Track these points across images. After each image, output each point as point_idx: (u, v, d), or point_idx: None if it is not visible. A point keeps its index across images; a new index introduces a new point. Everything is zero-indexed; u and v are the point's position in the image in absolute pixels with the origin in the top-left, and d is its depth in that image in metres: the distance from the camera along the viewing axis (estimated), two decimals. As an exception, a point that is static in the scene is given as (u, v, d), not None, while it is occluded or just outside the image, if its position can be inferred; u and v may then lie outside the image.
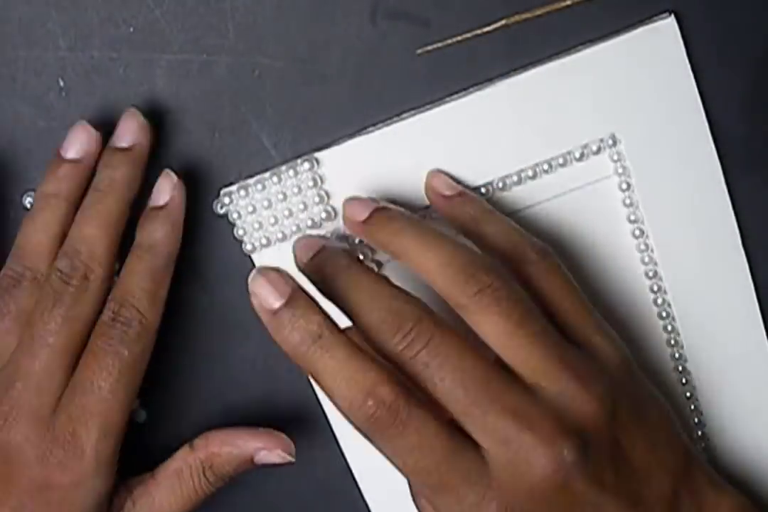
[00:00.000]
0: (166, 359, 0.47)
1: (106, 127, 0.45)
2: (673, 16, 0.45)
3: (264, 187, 0.45)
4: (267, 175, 0.45)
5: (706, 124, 0.46)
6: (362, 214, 0.42)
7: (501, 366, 0.40)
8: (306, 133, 0.46)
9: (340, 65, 0.46)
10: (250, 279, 0.40)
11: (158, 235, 0.44)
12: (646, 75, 0.45)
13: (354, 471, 0.48)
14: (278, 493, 0.49)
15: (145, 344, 0.43)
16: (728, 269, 0.47)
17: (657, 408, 0.43)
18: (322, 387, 0.40)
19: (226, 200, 0.45)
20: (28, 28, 0.44)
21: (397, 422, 0.39)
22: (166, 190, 0.44)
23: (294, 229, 0.45)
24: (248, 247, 0.46)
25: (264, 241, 0.45)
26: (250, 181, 0.45)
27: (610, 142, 0.46)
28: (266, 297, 0.40)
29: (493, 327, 0.40)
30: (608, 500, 0.39)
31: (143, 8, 0.44)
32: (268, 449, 0.44)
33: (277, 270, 0.40)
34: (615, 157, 0.46)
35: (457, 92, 0.45)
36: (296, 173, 0.45)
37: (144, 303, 0.43)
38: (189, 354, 0.47)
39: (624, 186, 0.46)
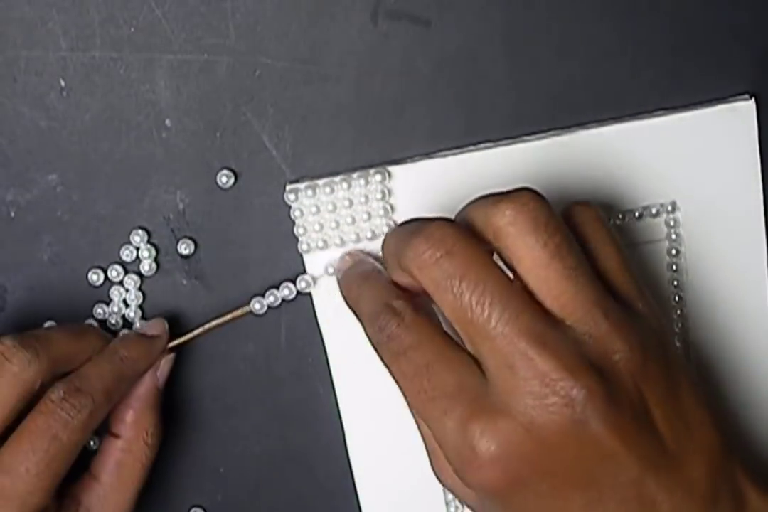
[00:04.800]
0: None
1: (106, 127, 0.45)
2: (753, 99, 0.46)
3: (332, 191, 0.45)
4: (337, 179, 0.45)
5: (762, 209, 0.47)
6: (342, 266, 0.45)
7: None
8: (307, 133, 0.46)
9: (341, 65, 0.46)
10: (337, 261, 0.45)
11: (135, 352, 0.44)
12: (716, 151, 0.47)
13: (354, 471, 0.48)
14: (278, 493, 0.49)
15: (83, 437, 0.42)
16: (762, 358, 0.48)
17: (693, 390, 0.39)
18: (359, 316, 0.41)
19: (292, 197, 0.45)
20: (29, 28, 0.44)
21: (401, 325, 0.39)
22: (159, 328, 0.46)
23: (353, 236, 0.45)
24: (303, 246, 0.46)
25: (320, 244, 0.45)
26: (320, 182, 0.45)
27: (670, 208, 0.47)
28: (340, 265, 0.45)
29: (527, 251, 0.37)
30: (630, 457, 0.36)
31: (144, 8, 0.44)
32: (158, 367, 0.45)
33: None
34: (671, 223, 0.47)
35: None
36: (367, 183, 0.45)
37: (100, 397, 0.42)
38: (189, 354, 0.47)
39: (674, 251, 0.47)
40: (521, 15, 0.46)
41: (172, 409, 0.47)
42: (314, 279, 0.46)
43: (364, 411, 0.47)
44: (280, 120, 0.46)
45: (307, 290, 0.46)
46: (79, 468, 0.44)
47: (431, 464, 0.41)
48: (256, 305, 0.46)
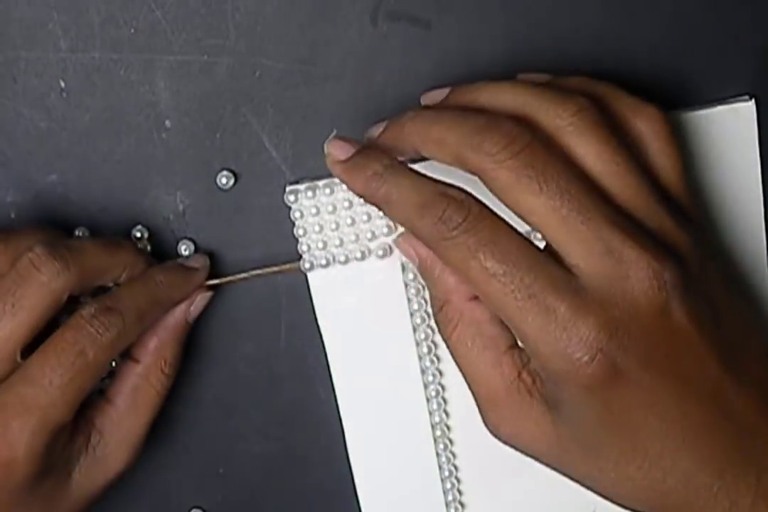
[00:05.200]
0: (166, 359, 0.47)
1: (106, 128, 0.45)
2: (753, 100, 0.46)
3: (332, 192, 0.45)
4: (337, 180, 0.44)
5: (762, 209, 0.47)
6: (343, 155, 0.41)
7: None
8: (307, 133, 0.46)
9: (341, 66, 0.46)
10: (325, 144, 0.42)
11: (173, 278, 0.44)
12: (716, 151, 0.47)
13: (354, 471, 0.48)
14: (278, 493, 0.49)
15: (110, 356, 0.42)
16: None
17: (740, 300, 0.41)
18: (393, 209, 0.39)
19: (291, 198, 0.45)
20: (29, 29, 0.44)
21: (470, 217, 0.37)
22: (201, 262, 0.45)
23: (353, 237, 0.45)
24: (303, 247, 0.45)
25: (320, 245, 0.45)
26: (319, 183, 0.45)
27: None
28: (336, 153, 0.41)
29: (593, 148, 0.38)
30: (708, 352, 0.37)
31: (144, 9, 0.44)
32: (192, 301, 0.45)
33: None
34: None
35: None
36: None
37: (132, 318, 0.42)
38: (189, 354, 0.47)
39: None
40: (521, 15, 0.46)
41: (172, 409, 0.47)
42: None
43: (364, 412, 0.47)
44: (280, 120, 0.46)
45: (382, 254, 0.45)
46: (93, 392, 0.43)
47: (484, 417, 0.41)
48: (306, 264, 0.46)
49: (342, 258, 0.45)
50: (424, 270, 0.42)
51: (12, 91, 0.45)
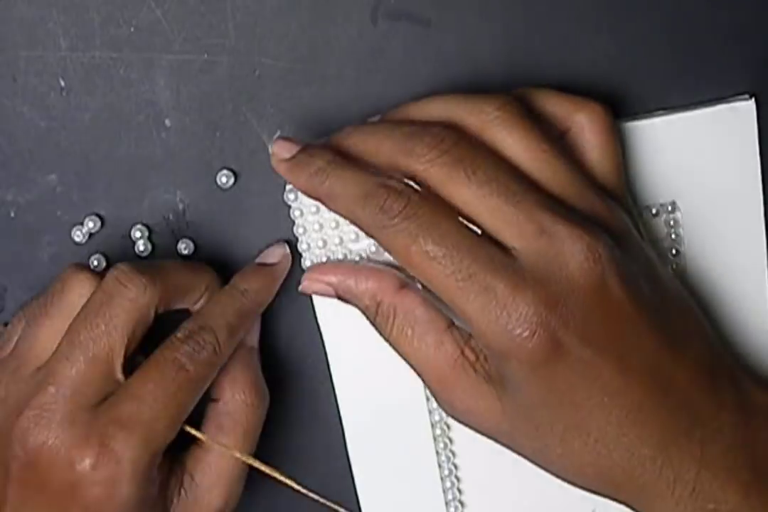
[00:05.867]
0: (166, 359, 0.47)
1: (106, 127, 0.45)
2: (753, 99, 0.46)
3: None
4: None
5: (762, 209, 0.47)
6: (287, 153, 0.42)
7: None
8: (306, 132, 0.46)
9: (341, 65, 0.46)
10: (270, 144, 0.43)
11: (256, 284, 0.44)
12: (716, 151, 0.47)
13: (354, 471, 0.48)
14: (278, 493, 0.49)
15: (209, 373, 0.42)
16: (762, 357, 0.48)
17: (674, 282, 0.42)
18: (336, 203, 0.40)
19: (291, 196, 0.45)
20: (29, 28, 0.44)
21: (409, 205, 0.39)
22: (279, 254, 0.46)
23: (353, 236, 0.45)
24: (303, 245, 0.45)
25: (320, 243, 0.45)
26: None
27: (669, 208, 0.47)
28: (280, 152, 0.42)
29: (520, 141, 0.40)
30: (646, 328, 0.39)
31: (144, 8, 0.44)
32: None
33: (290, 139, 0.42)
34: (671, 223, 0.47)
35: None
36: None
37: (224, 334, 0.42)
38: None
39: (674, 251, 0.47)
40: (521, 15, 0.46)
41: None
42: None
43: (363, 411, 0.47)
44: (280, 120, 0.46)
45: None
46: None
47: (438, 400, 0.42)
48: (306, 262, 0.46)
49: (342, 257, 0.45)
50: (343, 293, 0.43)
51: (12, 90, 0.45)
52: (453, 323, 0.41)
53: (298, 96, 0.46)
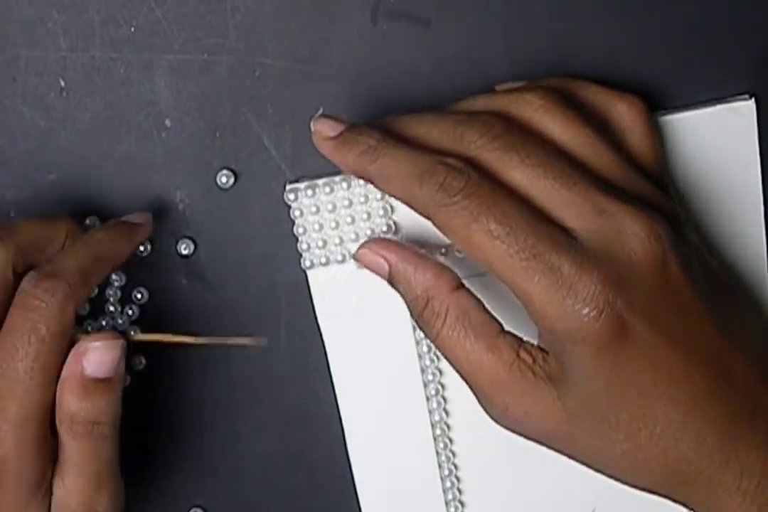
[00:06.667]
0: (167, 359, 0.47)
1: (106, 127, 0.45)
2: (753, 99, 0.46)
3: (332, 191, 0.45)
4: (337, 178, 0.45)
5: (762, 208, 0.47)
6: (333, 131, 0.42)
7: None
8: (306, 132, 0.45)
9: (341, 65, 0.46)
10: (312, 121, 0.42)
11: (114, 235, 0.43)
12: (716, 151, 0.47)
13: (354, 471, 0.48)
14: (278, 493, 0.49)
15: (65, 323, 0.40)
16: None
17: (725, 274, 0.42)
18: (389, 182, 0.40)
19: (291, 196, 0.45)
20: (29, 28, 0.44)
21: (470, 183, 0.38)
22: (143, 217, 0.44)
23: (353, 236, 0.45)
24: (303, 245, 0.45)
25: (320, 243, 0.45)
26: (319, 181, 0.45)
27: None
28: (324, 130, 0.41)
29: (565, 128, 0.41)
30: (701, 304, 0.38)
31: (144, 8, 0.44)
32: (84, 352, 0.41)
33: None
34: None
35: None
36: (366, 183, 0.45)
37: (76, 277, 0.40)
38: (189, 354, 0.47)
39: None
40: (521, 15, 0.46)
41: (172, 409, 0.47)
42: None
43: (364, 412, 0.47)
44: (280, 120, 0.46)
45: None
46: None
47: (488, 405, 0.40)
48: (306, 262, 0.45)
49: (341, 257, 0.45)
50: (397, 275, 0.42)
51: (12, 90, 0.45)
52: (504, 329, 0.40)
53: (298, 95, 0.46)
